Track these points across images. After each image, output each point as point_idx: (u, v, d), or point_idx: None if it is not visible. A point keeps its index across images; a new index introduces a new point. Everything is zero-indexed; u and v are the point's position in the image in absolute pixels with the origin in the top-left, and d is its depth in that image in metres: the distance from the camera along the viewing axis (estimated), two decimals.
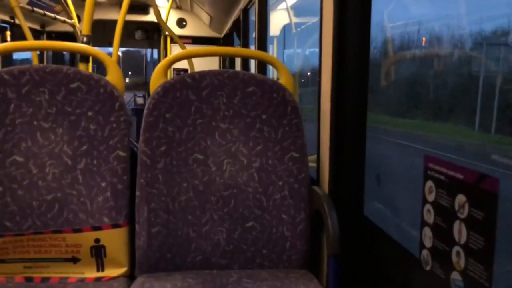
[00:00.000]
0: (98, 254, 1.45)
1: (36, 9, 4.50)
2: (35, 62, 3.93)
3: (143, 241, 1.42)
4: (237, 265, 1.48)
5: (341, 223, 1.35)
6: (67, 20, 5.06)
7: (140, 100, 6.78)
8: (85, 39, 2.23)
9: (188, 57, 1.67)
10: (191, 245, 1.46)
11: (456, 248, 0.93)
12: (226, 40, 5.97)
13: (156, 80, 1.55)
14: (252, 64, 3.87)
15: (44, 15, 4.71)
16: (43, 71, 1.46)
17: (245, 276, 1.41)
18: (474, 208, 0.88)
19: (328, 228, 1.34)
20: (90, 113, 1.47)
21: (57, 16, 5.10)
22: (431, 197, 1.02)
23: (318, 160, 1.60)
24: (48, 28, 5.79)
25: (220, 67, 6.52)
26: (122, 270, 1.47)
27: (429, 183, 1.03)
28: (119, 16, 2.97)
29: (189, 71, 4.82)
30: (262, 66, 3.13)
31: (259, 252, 1.48)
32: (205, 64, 4.44)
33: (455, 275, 0.93)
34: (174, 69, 6.15)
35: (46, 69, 1.47)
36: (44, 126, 1.47)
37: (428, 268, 1.04)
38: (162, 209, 1.44)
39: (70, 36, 5.29)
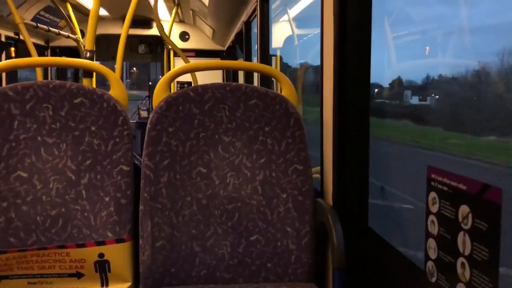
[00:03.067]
0: (102, 269, 1.45)
1: (40, 25, 4.55)
2: (39, 77, 3.96)
3: (147, 255, 1.42)
4: (242, 279, 1.47)
5: (346, 235, 1.34)
6: (71, 35, 5.11)
7: (144, 114, 6.80)
8: (88, 54, 2.25)
9: (190, 71, 1.69)
10: (195, 259, 1.45)
11: (460, 260, 0.92)
12: (229, 53, 6.01)
13: (159, 94, 1.56)
14: (255, 76, 3.89)
15: (48, 30, 4.77)
16: (46, 87, 1.47)
17: None
18: (477, 219, 0.87)
19: (333, 240, 1.33)
20: (93, 128, 1.48)
21: (61, 32, 5.15)
22: (434, 208, 1.02)
23: (321, 172, 1.60)
24: (52, 44, 5.85)
25: (223, 80, 6.54)
26: (126, 285, 1.46)
27: (433, 194, 1.02)
28: (122, 30, 3.00)
29: (192, 84, 4.84)
30: (265, 78, 3.14)
31: (264, 265, 1.47)
32: (209, 76, 4.46)
33: (460, 287, 0.92)
34: (177, 82, 6.18)
35: (49, 84, 1.48)
36: (48, 142, 1.48)
37: (433, 280, 1.03)
38: (165, 223, 1.43)
39: (74, 51, 5.34)
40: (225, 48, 6.30)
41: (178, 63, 5.94)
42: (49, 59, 3.89)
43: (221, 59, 6.08)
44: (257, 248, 1.47)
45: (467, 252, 0.90)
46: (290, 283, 1.46)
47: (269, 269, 1.47)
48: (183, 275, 1.44)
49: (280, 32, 4.83)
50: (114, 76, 1.61)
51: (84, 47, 2.36)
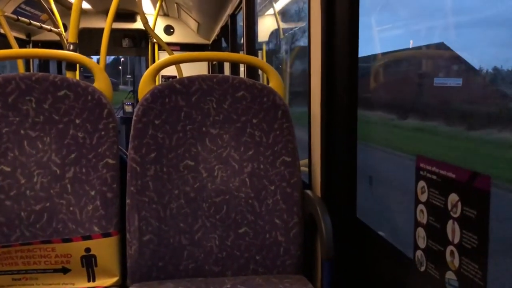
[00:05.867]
0: (89, 263, 1.43)
1: (21, 18, 4.46)
2: (21, 71, 3.89)
3: (134, 249, 1.40)
4: (231, 272, 1.46)
5: (335, 226, 1.35)
6: (53, 29, 5.02)
7: (128, 108, 6.72)
8: (71, 47, 2.21)
9: (176, 62, 1.66)
10: (184, 252, 1.44)
11: (450, 248, 0.93)
12: (215, 46, 5.97)
13: (144, 86, 1.53)
14: (241, 70, 3.87)
15: (30, 24, 4.67)
16: (29, 79, 1.44)
17: (239, 283, 1.40)
18: (466, 207, 0.88)
19: (322, 232, 1.33)
20: (78, 121, 1.45)
21: (43, 25, 5.05)
22: (423, 197, 1.02)
23: (309, 164, 1.60)
24: (34, 38, 5.74)
25: (209, 73, 6.50)
26: (113, 280, 1.44)
27: (421, 183, 1.03)
28: (106, 24, 2.96)
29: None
30: (252, 72, 3.13)
31: (253, 258, 1.47)
32: (194, 71, 4.41)
33: (450, 275, 0.93)
34: (162, 76, 6.13)
35: (32, 77, 1.45)
36: (31, 135, 1.44)
37: (422, 268, 1.04)
38: (153, 217, 1.42)
39: (57, 45, 5.24)
40: (210, 42, 6.26)
41: (163, 57, 5.87)
42: (31, 50, 3.82)
43: None
44: (246, 241, 1.47)
45: (456, 240, 0.90)
46: (279, 275, 1.46)
47: (257, 261, 1.47)
48: (171, 269, 1.43)
49: (266, 26, 4.82)
50: (98, 68, 1.58)
51: (67, 40, 2.31)
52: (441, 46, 2.31)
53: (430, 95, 2.47)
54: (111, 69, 29.32)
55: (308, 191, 1.51)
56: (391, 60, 3.03)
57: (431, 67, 2.59)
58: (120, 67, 29.96)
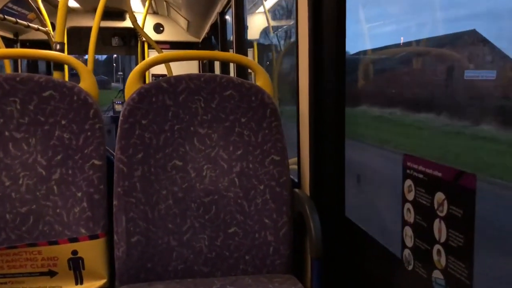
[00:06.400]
0: (76, 266, 1.41)
1: (7, 17, 4.40)
2: (8, 71, 3.84)
3: (122, 251, 1.39)
4: (220, 272, 1.46)
5: (324, 225, 1.34)
6: (41, 28, 4.96)
7: (119, 107, 6.66)
8: (58, 47, 2.18)
9: (163, 61, 1.65)
10: (172, 253, 1.43)
11: (436, 247, 0.93)
12: (205, 44, 5.94)
13: (131, 85, 1.52)
14: (232, 68, 3.85)
15: (16, 23, 4.62)
16: (13, 80, 1.42)
17: (228, 283, 1.39)
18: (453, 206, 0.88)
19: (311, 231, 1.33)
20: (63, 122, 1.43)
21: (30, 24, 5.00)
22: (410, 196, 1.02)
23: (298, 163, 1.59)
24: (22, 37, 5.67)
25: (199, 72, 6.48)
26: (101, 282, 1.43)
27: (408, 182, 1.03)
28: (94, 22, 2.93)
29: None
30: (242, 70, 3.12)
31: (242, 258, 1.46)
32: (184, 70, 4.39)
33: (437, 274, 0.93)
34: (152, 75, 6.09)
35: (16, 77, 1.43)
36: (16, 137, 1.42)
37: (410, 267, 1.04)
38: (141, 218, 1.41)
39: (45, 44, 5.19)
40: (200, 40, 6.23)
41: (152, 56, 5.83)
42: (15, 50, 3.76)
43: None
44: (235, 241, 1.46)
45: (443, 239, 0.90)
46: (269, 274, 1.46)
47: (247, 261, 1.46)
48: (160, 270, 1.42)
49: (256, 24, 4.81)
50: (84, 67, 1.56)
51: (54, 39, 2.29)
52: (472, 34, 1.97)
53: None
54: (105, 67, 29.11)
55: (297, 190, 1.50)
56: (412, 52, 2.53)
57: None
58: (114, 64, 29.75)
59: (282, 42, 5.28)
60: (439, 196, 0.91)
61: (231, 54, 2.73)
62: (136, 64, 6.86)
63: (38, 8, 4.54)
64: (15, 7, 4.70)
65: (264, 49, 5.32)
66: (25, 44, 5.72)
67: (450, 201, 0.88)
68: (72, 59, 1.59)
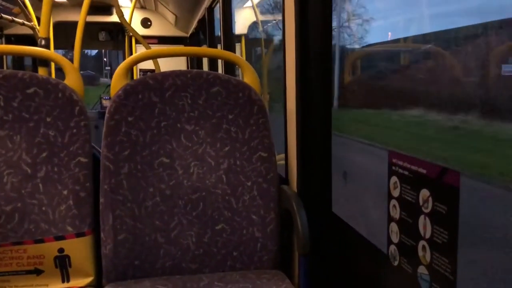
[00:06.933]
0: (63, 264, 1.40)
1: None
2: None
3: (109, 249, 1.38)
4: (208, 269, 1.46)
5: (311, 221, 1.35)
6: (26, 22, 4.89)
7: (106, 103, 6.62)
8: (43, 42, 2.15)
9: (151, 57, 1.63)
10: (160, 251, 1.43)
11: (421, 243, 0.94)
12: (193, 39, 5.91)
13: (117, 82, 1.50)
14: (219, 63, 3.84)
15: (1, 17, 4.54)
16: None
17: (216, 280, 1.39)
18: (437, 202, 0.88)
19: (298, 227, 1.33)
20: (48, 119, 1.42)
21: (15, 19, 4.92)
22: (396, 193, 1.03)
23: (286, 159, 1.60)
24: (6, 31, 5.59)
25: (187, 67, 6.45)
26: (88, 280, 1.42)
27: (394, 179, 1.03)
28: (80, 17, 2.89)
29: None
30: (230, 65, 3.11)
31: (230, 254, 1.47)
32: (172, 65, 4.37)
33: (422, 269, 0.94)
34: (140, 70, 6.05)
35: None
36: (0, 134, 1.40)
37: (396, 263, 1.05)
38: (128, 216, 1.40)
39: (31, 39, 5.12)
40: (188, 35, 6.20)
41: (140, 51, 5.79)
42: None
43: (185, 46, 5.97)
44: (223, 237, 1.46)
45: (427, 235, 0.91)
46: (256, 270, 1.46)
47: (235, 257, 1.47)
48: (148, 267, 1.42)
49: (245, 18, 4.79)
50: (69, 64, 1.54)
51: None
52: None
53: None
54: (95, 62, 28.78)
55: (285, 186, 1.50)
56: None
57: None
58: (104, 59, 29.42)
59: (271, 37, 5.27)
60: (424, 193, 0.92)
61: (218, 50, 2.72)
62: (124, 59, 6.81)
63: (23, 2, 4.46)
64: None
65: (253, 43, 5.30)
66: (10, 38, 5.64)
67: (435, 198, 0.89)
68: (56, 55, 1.57)
